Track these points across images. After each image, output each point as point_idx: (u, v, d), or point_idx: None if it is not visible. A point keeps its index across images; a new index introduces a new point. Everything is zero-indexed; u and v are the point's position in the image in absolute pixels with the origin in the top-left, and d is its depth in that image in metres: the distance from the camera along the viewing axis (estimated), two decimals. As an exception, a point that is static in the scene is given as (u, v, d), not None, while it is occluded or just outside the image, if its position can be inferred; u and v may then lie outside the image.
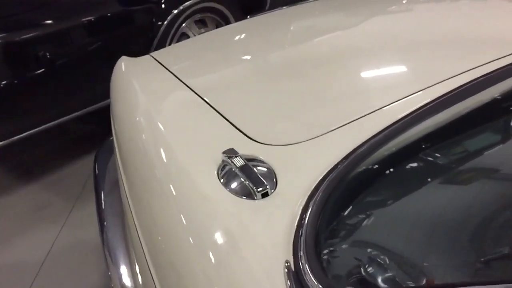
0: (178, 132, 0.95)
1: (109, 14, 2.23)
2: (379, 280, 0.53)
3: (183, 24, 2.55)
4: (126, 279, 1.04)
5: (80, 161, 2.50)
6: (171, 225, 0.73)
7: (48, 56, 2.06)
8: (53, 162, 2.53)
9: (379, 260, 0.56)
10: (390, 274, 0.54)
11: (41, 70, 2.07)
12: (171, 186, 0.80)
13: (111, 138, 1.30)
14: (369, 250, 0.59)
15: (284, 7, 1.70)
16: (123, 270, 1.07)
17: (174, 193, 0.78)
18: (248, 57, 1.31)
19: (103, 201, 1.32)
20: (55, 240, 2.00)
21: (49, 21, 2.06)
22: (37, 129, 2.12)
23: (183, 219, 0.72)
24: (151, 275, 0.73)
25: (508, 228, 0.56)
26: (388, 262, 0.55)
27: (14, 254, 1.97)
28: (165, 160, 0.88)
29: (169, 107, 1.08)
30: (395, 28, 1.34)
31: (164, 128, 0.97)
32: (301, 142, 0.81)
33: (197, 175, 0.79)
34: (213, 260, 0.63)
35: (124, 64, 1.32)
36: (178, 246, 0.69)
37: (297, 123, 0.89)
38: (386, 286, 0.52)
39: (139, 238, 0.82)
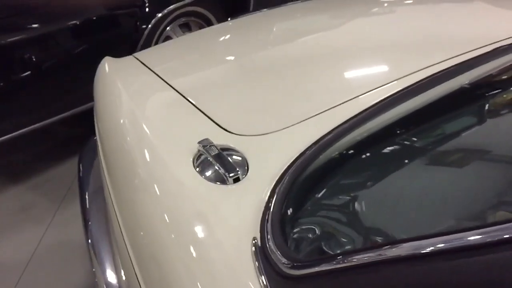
0: (160, 129, 0.99)
1: (93, 18, 2.25)
2: (334, 249, 0.58)
3: (168, 28, 2.58)
4: (110, 275, 1.07)
5: (66, 163, 2.51)
6: (150, 215, 0.77)
7: (34, 59, 2.09)
8: (39, 164, 2.54)
9: (335, 234, 0.61)
10: (346, 246, 0.59)
11: (27, 73, 2.10)
12: (152, 181, 0.83)
13: (95, 137, 1.33)
14: (327, 226, 0.64)
15: (265, 9, 1.76)
16: (107, 266, 1.08)
17: (156, 188, 0.81)
18: (228, 57, 1.35)
19: (87, 200, 1.34)
20: (40, 240, 2.02)
21: (35, 25, 2.09)
22: (23, 130, 2.14)
23: (160, 208, 0.76)
24: (133, 268, 0.76)
25: (455, 202, 0.62)
26: (343, 235, 0.61)
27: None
28: (147, 157, 0.91)
29: (151, 106, 1.12)
30: (368, 30, 1.40)
31: (146, 126, 1.00)
32: (272, 132, 0.86)
33: (174, 165, 0.83)
34: (189, 245, 0.67)
35: (107, 65, 1.35)
36: (157, 234, 0.72)
37: (270, 115, 0.94)
38: (338, 252, 0.57)
39: (121, 233, 0.84)
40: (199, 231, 0.69)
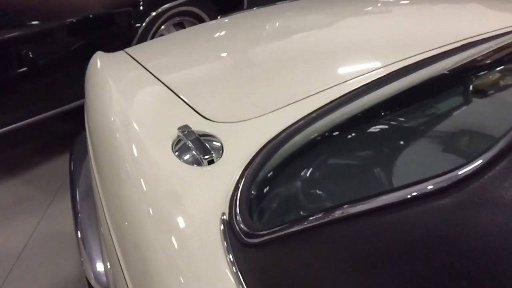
0: (144, 119, 1.02)
1: (88, 16, 2.30)
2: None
3: (162, 27, 2.63)
4: (98, 264, 1.10)
5: (61, 157, 2.55)
6: (130, 199, 0.80)
7: (31, 56, 2.14)
8: (34, 159, 2.57)
9: (298, 209, 0.66)
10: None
11: (24, 69, 2.16)
12: (135, 170, 0.86)
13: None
14: (292, 202, 0.69)
15: (254, 8, 1.81)
16: (95, 255, 1.11)
17: (138, 174, 0.85)
18: (214, 52, 1.40)
19: (77, 193, 1.37)
20: (33, 232, 2.06)
21: (31, 23, 2.14)
22: (18, 124, 2.19)
23: (140, 190, 0.80)
24: (118, 258, 0.77)
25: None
26: (306, 210, 0.66)
27: (-8, 245, 2.02)
28: (133, 148, 0.94)
29: (139, 98, 1.16)
30: (349, 27, 1.45)
31: (132, 117, 1.04)
32: (248, 119, 0.91)
33: (154, 150, 0.88)
34: (165, 224, 0.71)
35: (99, 59, 1.40)
36: (137, 220, 0.75)
37: (247, 104, 0.99)
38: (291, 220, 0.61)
39: (107, 223, 0.87)
40: (174, 210, 0.73)
